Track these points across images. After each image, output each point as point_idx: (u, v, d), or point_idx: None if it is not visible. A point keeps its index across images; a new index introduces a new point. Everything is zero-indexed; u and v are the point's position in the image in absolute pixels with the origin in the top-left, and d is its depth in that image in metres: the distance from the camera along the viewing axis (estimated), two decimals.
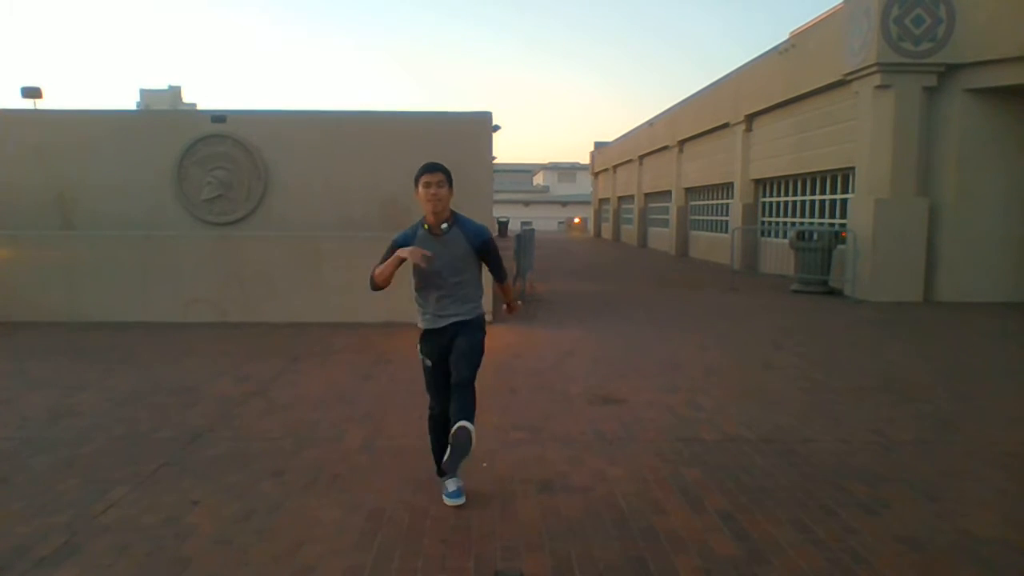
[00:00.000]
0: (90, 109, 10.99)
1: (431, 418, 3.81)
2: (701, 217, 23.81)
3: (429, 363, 3.70)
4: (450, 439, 3.37)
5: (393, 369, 6.74)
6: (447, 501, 3.62)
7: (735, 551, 3.17)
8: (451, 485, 3.65)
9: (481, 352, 3.65)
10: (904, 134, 12.03)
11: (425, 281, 3.59)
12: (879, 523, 3.46)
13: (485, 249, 3.67)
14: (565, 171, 71.32)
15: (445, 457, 3.45)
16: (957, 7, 11.52)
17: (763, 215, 18.51)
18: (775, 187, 17.81)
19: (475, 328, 3.65)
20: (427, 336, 3.69)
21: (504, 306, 3.99)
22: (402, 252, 3.45)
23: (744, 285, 14.18)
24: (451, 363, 3.56)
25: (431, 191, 3.52)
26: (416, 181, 3.57)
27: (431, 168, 3.57)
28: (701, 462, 4.28)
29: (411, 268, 3.55)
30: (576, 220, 56.08)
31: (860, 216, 12.55)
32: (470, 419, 3.40)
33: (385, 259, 3.53)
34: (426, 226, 3.58)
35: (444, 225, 3.58)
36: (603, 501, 3.70)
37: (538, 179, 72.81)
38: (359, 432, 4.82)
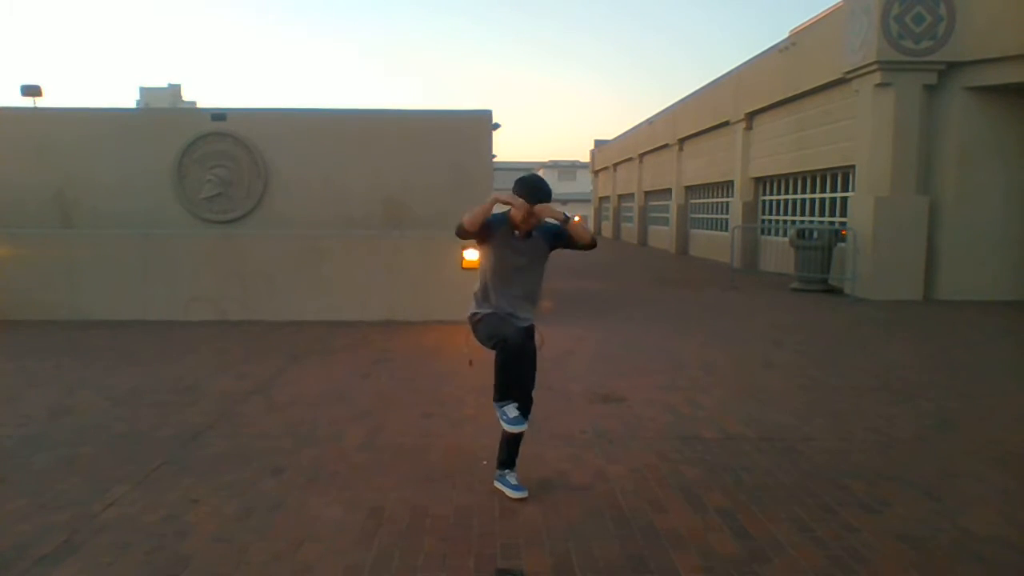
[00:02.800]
0: (90, 107, 10.98)
1: (504, 345, 3.55)
2: (701, 215, 23.80)
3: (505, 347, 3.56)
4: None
5: (393, 368, 6.74)
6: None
7: (735, 549, 3.17)
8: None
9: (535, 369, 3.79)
10: (904, 132, 12.03)
11: (509, 276, 3.60)
12: (879, 521, 3.46)
13: (559, 234, 3.67)
14: (565, 169, 71.25)
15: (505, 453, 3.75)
16: (957, 5, 11.50)
17: (763, 213, 18.50)
18: (775, 185, 17.80)
19: (532, 338, 3.72)
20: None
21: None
22: (503, 196, 3.44)
23: (744, 283, 14.18)
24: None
25: (531, 220, 3.54)
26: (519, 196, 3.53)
27: (532, 201, 3.50)
28: (701, 460, 4.28)
29: (483, 261, 3.62)
30: (576, 218, 56.02)
31: (860, 214, 12.54)
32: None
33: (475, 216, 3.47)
34: (516, 232, 3.59)
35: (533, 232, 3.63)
36: (603, 499, 3.70)
37: None
38: (359, 430, 4.82)
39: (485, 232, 3.52)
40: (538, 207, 3.50)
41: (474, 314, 3.70)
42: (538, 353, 3.78)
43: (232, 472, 4.05)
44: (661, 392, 5.85)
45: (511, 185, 3.61)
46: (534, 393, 3.83)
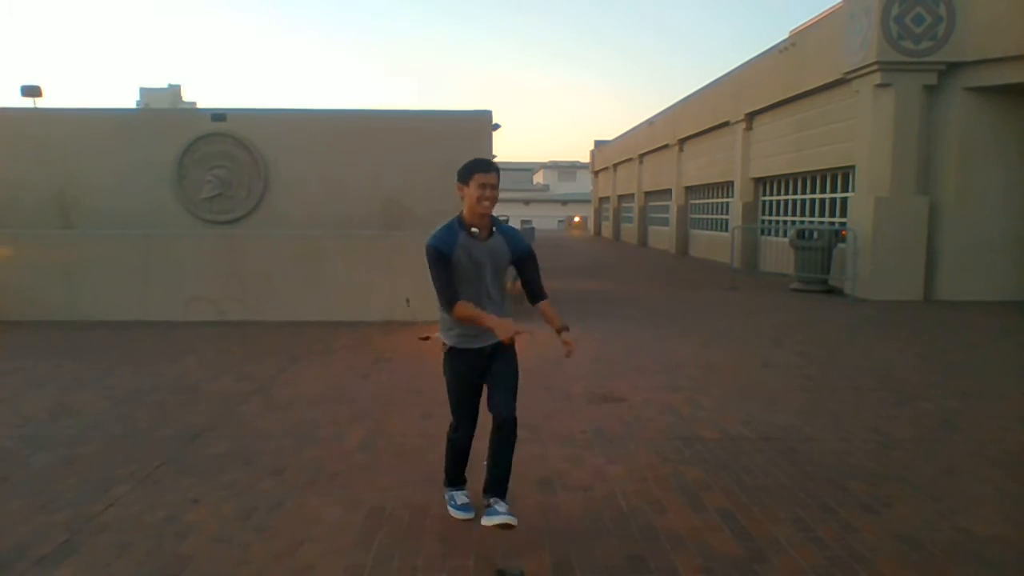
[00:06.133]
0: (90, 108, 11.01)
1: (454, 440, 3.49)
2: (701, 216, 23.80)
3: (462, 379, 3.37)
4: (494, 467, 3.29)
5: (393, 368, 6.74)
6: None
7: (735, 550, 3.17)
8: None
9: (518, 377, 3.36)
10: (904, 132, 12.03)
11: (471, 291, 3.21)
12: (879, 522, 3.46)
13: (528, 258, 3.33)
14: (565, 170, 71.30)
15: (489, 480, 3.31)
16: (957, 6, 11.51)
17: (763, 214, 18.50)
18: (775, 185, 17.80)
19: (512, 348, 3.31)
20: (460, 355, 3.34)
21: (560, 333, 3.30)
22: (500, 333, 3.06)
23: (744, 284, 14.18)
24: (492, 392, 3.29)
25: (486, 192, 3.14)
26: (466, 178, 3.16)
27: (488, 167, 3.19)
28: (701, 461, 4.28)
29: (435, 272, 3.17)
30: (576, 219, 56.07)
31: (860, 214, 12.54)
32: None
33: (441, 272, 3.15)
34: (474, 230, 3.20)
35: (493, 229, 3.26)
36: (603, 500, 3.70)
37: (538, 178, 72.79)
38: (359, 431, 4.82)
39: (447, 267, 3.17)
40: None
41: (443, 343, 3.44)
42: (519, 361, 3.38)
43: (232, 472, 4.05)
44: (661, 392, 5.85)
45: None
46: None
